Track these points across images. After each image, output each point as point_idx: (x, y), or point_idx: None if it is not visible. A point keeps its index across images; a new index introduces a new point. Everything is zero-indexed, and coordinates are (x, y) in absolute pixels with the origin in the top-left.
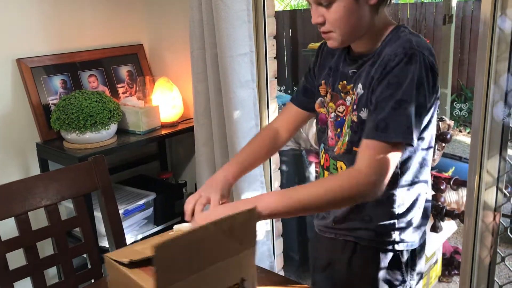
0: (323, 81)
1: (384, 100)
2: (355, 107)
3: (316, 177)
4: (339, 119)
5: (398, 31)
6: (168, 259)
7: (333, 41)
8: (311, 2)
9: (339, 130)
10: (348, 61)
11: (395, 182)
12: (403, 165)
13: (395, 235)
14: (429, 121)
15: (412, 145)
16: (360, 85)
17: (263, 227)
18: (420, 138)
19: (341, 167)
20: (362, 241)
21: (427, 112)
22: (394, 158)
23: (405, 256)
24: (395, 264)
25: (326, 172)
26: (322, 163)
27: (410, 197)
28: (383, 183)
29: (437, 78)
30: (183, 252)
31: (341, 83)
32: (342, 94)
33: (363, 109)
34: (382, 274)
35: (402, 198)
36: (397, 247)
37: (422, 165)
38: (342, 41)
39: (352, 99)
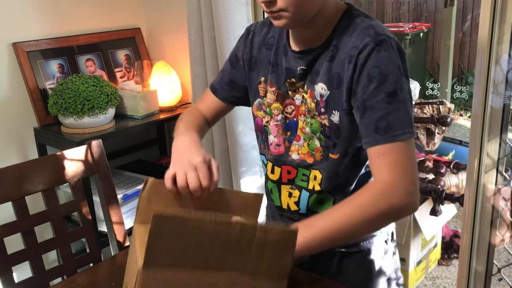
0: (262, 79)
1: (372, 97)
2: (322, 110)
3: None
4: (287, 121)
5: (350, 17)
6: (166, 234)
7: (285, 20)
8: None
9: (289, 133)
10: (292, 55)
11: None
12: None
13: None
14: None
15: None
16: (322, 85)
17: None
18: None
19: (315, 177)
20: (348, 248)
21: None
22: (412, 154)
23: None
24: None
25: (287, 187)
26: (276, 177)
27: None
28: (416, 187)
29: (406, 60)
30: (186, 235)
31: (288, 80)
32: (290, 93)
33: (334, 112)
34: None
35: None
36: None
37: None
38: (294, 21)
39: (303, 98)
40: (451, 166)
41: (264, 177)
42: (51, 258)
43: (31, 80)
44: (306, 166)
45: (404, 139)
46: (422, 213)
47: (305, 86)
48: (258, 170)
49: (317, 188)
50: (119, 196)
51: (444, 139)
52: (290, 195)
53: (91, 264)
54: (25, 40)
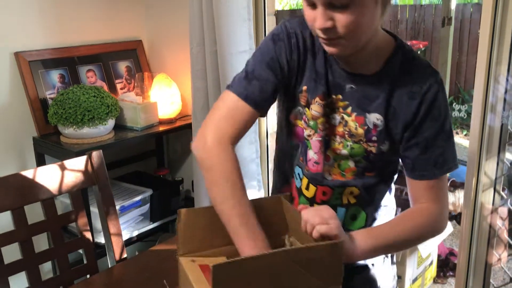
0: (304, 88)
1: (435, 136)
2: (373, 138)
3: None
4: (327, 138)
5: (405, 51)
6: (226, 282)
7: (340, 48)
8: (317, 3)
9: (327, 153)
10: (341, 73)
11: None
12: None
13: None
14: None
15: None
16: (377, 116)
17: None
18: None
19: (351, 192)
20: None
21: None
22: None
23: None
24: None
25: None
26: (311, 195)
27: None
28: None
29: None
30: (245, 276)
31: (334, 96)
32: (327, 109)
33: (385, 142)
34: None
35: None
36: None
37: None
38: (349, 49)
39: (343, 119)
40: (448, 184)
41: (262, 190)
42: (46, 269)
43: (32, 90)
44: (340, 185)
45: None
46: None
47: (349, 108)
48: (257, 184)
49: (352, 201)
50: (117, 208)
51: None
52: None
53: (88, 276)
54: (27, 50)
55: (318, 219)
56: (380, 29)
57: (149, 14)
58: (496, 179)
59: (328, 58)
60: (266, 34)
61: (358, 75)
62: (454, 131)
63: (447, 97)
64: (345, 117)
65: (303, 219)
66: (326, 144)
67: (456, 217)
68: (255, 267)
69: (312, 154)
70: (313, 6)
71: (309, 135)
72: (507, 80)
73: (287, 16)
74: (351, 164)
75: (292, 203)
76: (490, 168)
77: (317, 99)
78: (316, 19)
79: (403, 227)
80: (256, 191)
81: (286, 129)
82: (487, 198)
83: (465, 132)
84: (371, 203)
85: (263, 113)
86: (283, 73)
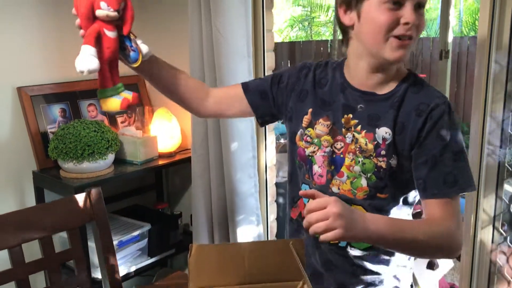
0: (310, 110)
1: (442, 154)
2: (382, 152)
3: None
4: (334, 156)
5: (416, 77)
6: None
7: (407, 52)
8: (407, 1)
9: (333, 167)
10: (352, 92)
11: None
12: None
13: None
14: None
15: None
16: (386, 129)
17: None
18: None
19: None
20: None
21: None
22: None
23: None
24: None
25: None
26: None
27: None
28: None
29: None
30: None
31: (345, 116)
32: (343, 130)
33: (393, 156)
34: None
35: None
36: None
37: None
38: (409, 53)
39: (354, 137)
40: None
41: (261, 225)
42: None
43: (33, 124)
44: (346, 200)
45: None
46: (419, 266)
47: (359, 126)
48: (255, 219)
49: None
50: (115, 243)
51: None
52: None
53: None
54: (29, 85)
55: (316, 216)
56: None
57: (150, 49)
58: (495, 216)
59: (341, 84)
60: (266, 70)
61: (371, 93)
62: None
63: (456, 122)
64: (356, 134)
65: (306, 209)
66: (331, 158)
67: None
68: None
69: (316, 168)
70: (398, 5)
71: (313, 152)
72: (503, 118)
73: (286, 48)
74: (363, 182)
75: (303, 235)
76: (488, 205)
77: (321, 120)
78: (405, 16)
79: (424, 230)
80: (254, 226)
81: (291, 150)
82: (486, 235)
83: None
84: None
85: (250, 101)
86: (280, 87)
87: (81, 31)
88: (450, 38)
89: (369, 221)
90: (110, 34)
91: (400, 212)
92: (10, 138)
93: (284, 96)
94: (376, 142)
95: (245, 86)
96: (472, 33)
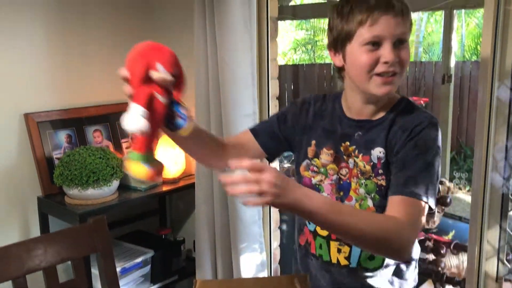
0: (313, 142)
1: (412, 159)
2: (380, 171)
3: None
4: (342, 182)
5: (410, 102)
6: None
7: (393, 86)
8: (385, 40)
9: (342, 193)
10: (349, 122)
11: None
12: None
13: None
14: None
15: (432, 209)
16: (380, 149)
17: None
18: None
19: None
20: None
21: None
22: (421, 219)
23: None
24: None
25: (336, 243)
26: (326, 233)
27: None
28: (413, 245)
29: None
30: None
31: (343, 144)
32: (345, 157)
33: (390, 173)
34: None
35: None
36: None
37: None
38: (394, 89)
39: (355, 162)
40: (451, 247)
41: (264, 253)
42: None
43: (39, 150)
44: None
45: (422, 202)
46: None
47: (357, 151)
48: (258, 246)
49: None
50: (118, 269)
51: (444, 214)
52: (339, 251)
53: None
54: (36, 111)
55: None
56: None
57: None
58: (499, 248)
59: (339, 116)
60: (270, 98)
61: (366, 121)
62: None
63: (439, 138)
64: (355, 159)
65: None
66: (338, 185)
67: (460, 283)
68: None
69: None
70: (376, 45)
71: (320, 180)
72: (506, 149)
73: (289, 71)
74: (370, 203)
75: (311, 260)
76: (492, 236)
77: (324, 149)
78: (384, 55)
79: (367, 218)
80: (258, 253)
81: (297, 180)
82: (491, 267)
83: (467, 188)
84: None
85: (262, 145)
86: (286, 126)
87: (128, 90)
88: (452, 63)
89: (306, 196)
90: (161, 99)
91: None
92: (16, 163)
93: (291, 132)
94: (372, 163)
95: (254, 131)
96: (474, 58)
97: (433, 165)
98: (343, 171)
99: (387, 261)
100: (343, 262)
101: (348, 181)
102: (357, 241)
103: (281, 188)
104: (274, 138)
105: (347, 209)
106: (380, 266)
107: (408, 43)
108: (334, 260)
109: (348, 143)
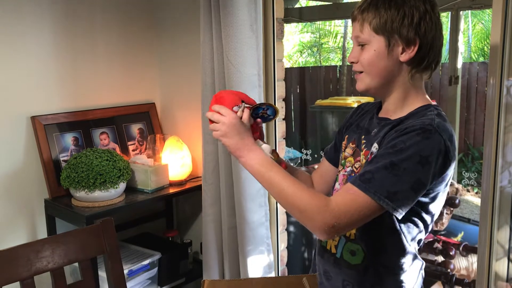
0: (346, 136)
1: (380, 156)
2: None
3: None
4: (352, 174)
5: (427, 109)
6: None
7: (360, 82)
8: (353, 41)
9: (344, 182)
10: (375, 120)
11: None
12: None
13: None
14: (430, 202)
15: (393, 214)
16: (375, 145)
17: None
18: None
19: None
20: None
21: (425, 191)
22: (363, 214)
23: None
24: None
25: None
26: None
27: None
28: (337, 231)
29: (449, 165)
30: None
31: (362, 139)
32: (360, 151)
33: None
34: None
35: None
36: None
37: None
38: (368, 85)
39: (363, 157)
40: (461, 249)
41: (271, 255)
42: None
43: (46, 152)
44: None
45: (372, 199)
46: None
47: (364, 146)
48: (265, 249)
49: (352, 236)
50: (125, 272)
51: (453, 216)
52: (333, 237)
53: None
54: (43, 114)
55: (216, 117)
56: (415, 87)
57: (163, 78)
58: (509, 248)
59: (372, 114)
60: (276, 99)
61: (385, 119)
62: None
63: (426, 147)
64: (361, 153)
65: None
66: (349, 176)
67: (469, 285)
68: None
69: (337, 185)
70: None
71: (339, 171)
72: None
73: (295, 73)
74: None
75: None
76: (502, 237)
77: (350, 144)
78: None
79: (294, 184)
80: (265, 256)
81: None
82: (501, 267)
83: (476, 190)
84: (371, 245)
85: (329, 160)
86: (341, 131)
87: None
88: (459, 64)
89: (246, 146)
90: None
91: (411, 230)
92: (23, 166)
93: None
94: (367, 158)
95: (325, 151)
96: (481, 59)
97: (399, 168)
98: (357, 164)
99: (367, 261)
100: (333, 250)
101: (357, 173)
102: (277, 197)
103: (229, 131)
104: (336, 149)
105: (279, 170)
106: (360, 264)
107: (372, 46)
108: (328, 247)
109: (364, 137)
